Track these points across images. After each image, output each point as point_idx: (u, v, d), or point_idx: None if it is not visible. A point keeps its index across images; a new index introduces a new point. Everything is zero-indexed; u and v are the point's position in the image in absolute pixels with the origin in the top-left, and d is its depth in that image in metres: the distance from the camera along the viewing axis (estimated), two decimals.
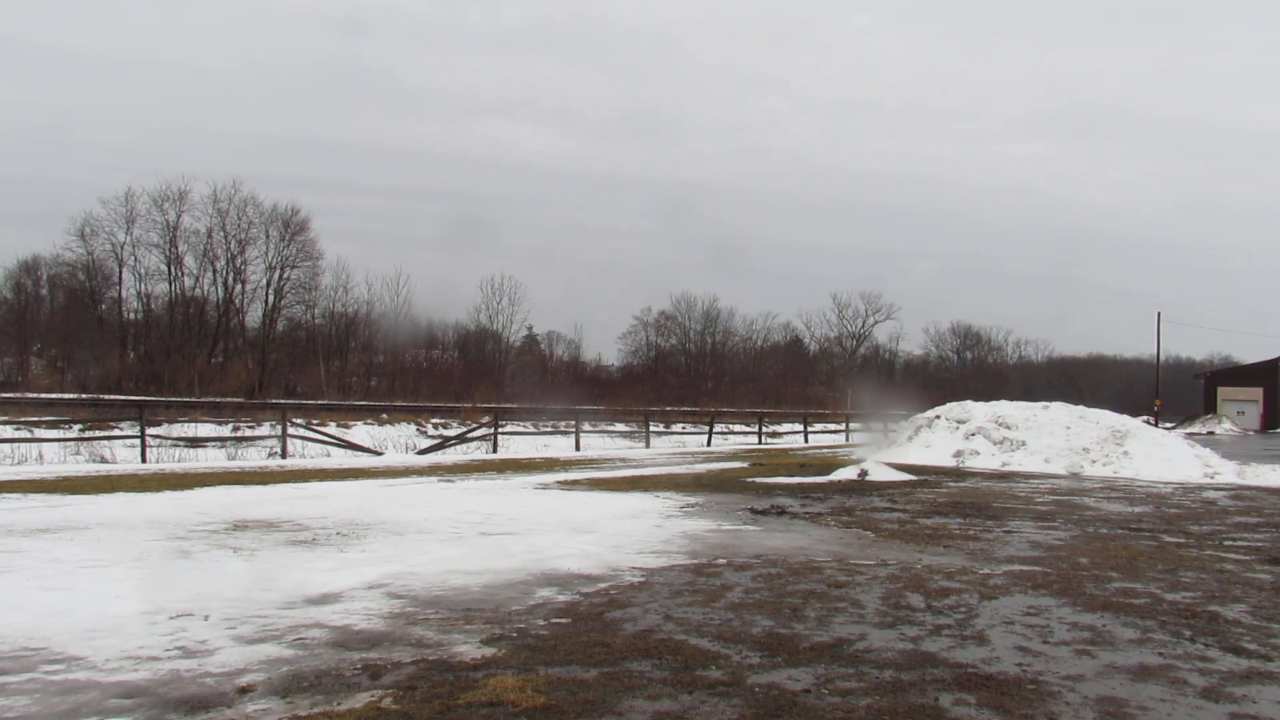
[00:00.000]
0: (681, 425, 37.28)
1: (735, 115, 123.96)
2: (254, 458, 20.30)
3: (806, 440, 35.44)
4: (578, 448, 25.33)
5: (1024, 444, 20.20)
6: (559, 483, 14.40)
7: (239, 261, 48.16)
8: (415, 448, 24.58)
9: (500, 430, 25.15)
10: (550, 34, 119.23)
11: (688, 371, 69.13)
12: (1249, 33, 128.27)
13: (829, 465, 17.93)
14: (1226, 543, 9.11)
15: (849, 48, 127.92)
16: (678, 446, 29.88)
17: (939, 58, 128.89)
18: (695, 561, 7.42)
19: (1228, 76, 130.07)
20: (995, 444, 20.51)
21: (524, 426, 28.48)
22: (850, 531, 9.39)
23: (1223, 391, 64.14)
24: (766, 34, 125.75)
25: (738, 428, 37.54)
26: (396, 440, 25.75)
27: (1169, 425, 48.12)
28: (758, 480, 15.30)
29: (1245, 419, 60.84)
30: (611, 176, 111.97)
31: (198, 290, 48.25)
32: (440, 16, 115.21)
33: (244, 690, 4.09)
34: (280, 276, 48.80)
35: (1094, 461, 18.78)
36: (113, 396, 27.31)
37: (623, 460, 20.63)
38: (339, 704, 3.91)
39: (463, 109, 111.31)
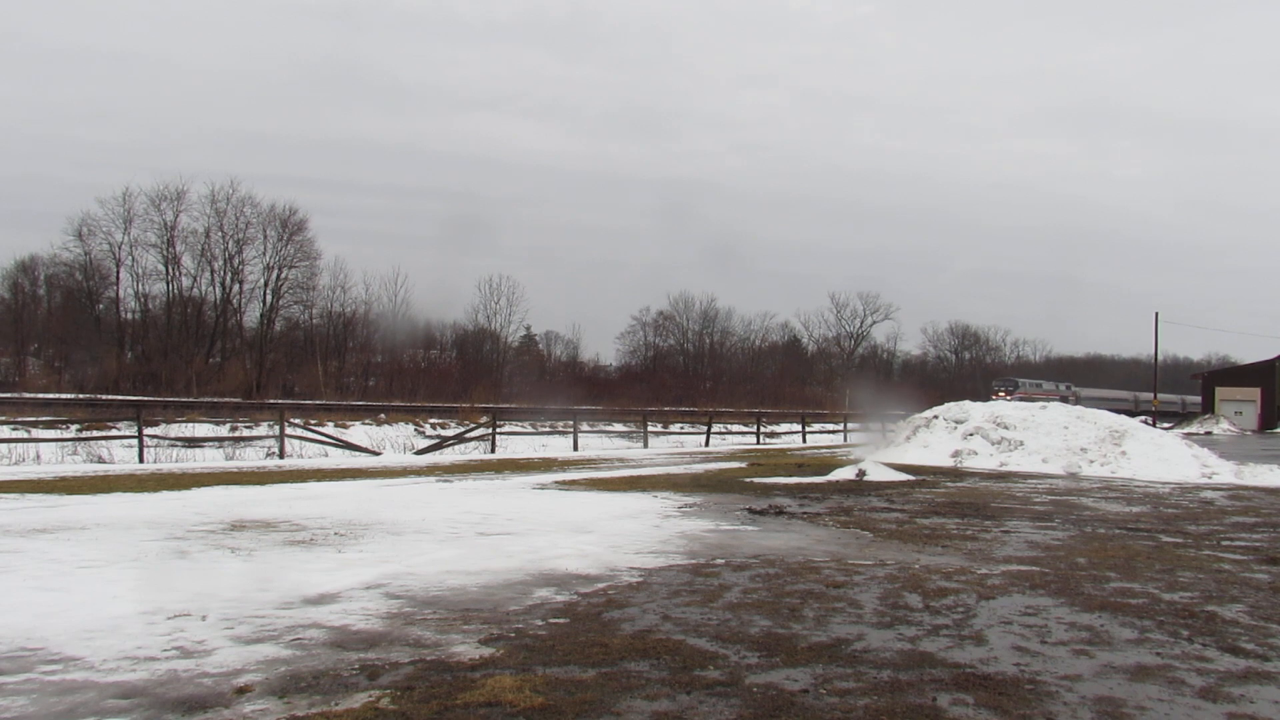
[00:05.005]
0: (679, 425, 37.29)
1: (733, 111, 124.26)
2: (251, 458, 20.29)
3: (804, 440, 35.47)
4: (576, 448, 25.32)
5: (1022, 444, 20.21)
6: (557, 483, 14.39)
7: (236, 261, 48.21)
8: (413, 448, 24.56)
9: (498, 430, 25.14)
10: (542, 28, 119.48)
11: (686, 371, 69.14)
12: (1256, 21, 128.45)
13: (827, 465, 17.93)
14: (1224, 543, 9.12)
15: (849, 40, 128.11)
16: (676, 447, 29.87)
17: (941, 51, 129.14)
18: (693, 562, 7.42)
19: (1234, 68, 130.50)
20: (993, 444, 20.52)
21: (522, 427, 28.47)
22: (848, 532, 9.39)
23: (1220, 391, 64.22)
24: (764, 26, 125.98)
25: (735, 428, 37.54)
26: (394, 440, 25.73)
27: (1166, 425, 48.17)
28: (756, 480, 15.30)
29: (1243, 419, 60.90)
30: (608, 175, 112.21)
31: (195, 290, 48.32)
32: (431, 9, 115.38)
33: (242, 691, 4.08)
34: (278, 276, 48.85)
35: (1092, 462, 18.80)
36: (110, 397, 27.28)
37: (621, 460, 20.63)
38: (337, 704, 3.91)
39: (457, 104, 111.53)
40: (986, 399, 38.49)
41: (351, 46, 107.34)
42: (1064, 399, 59.83)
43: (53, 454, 19.13)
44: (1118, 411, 24.25)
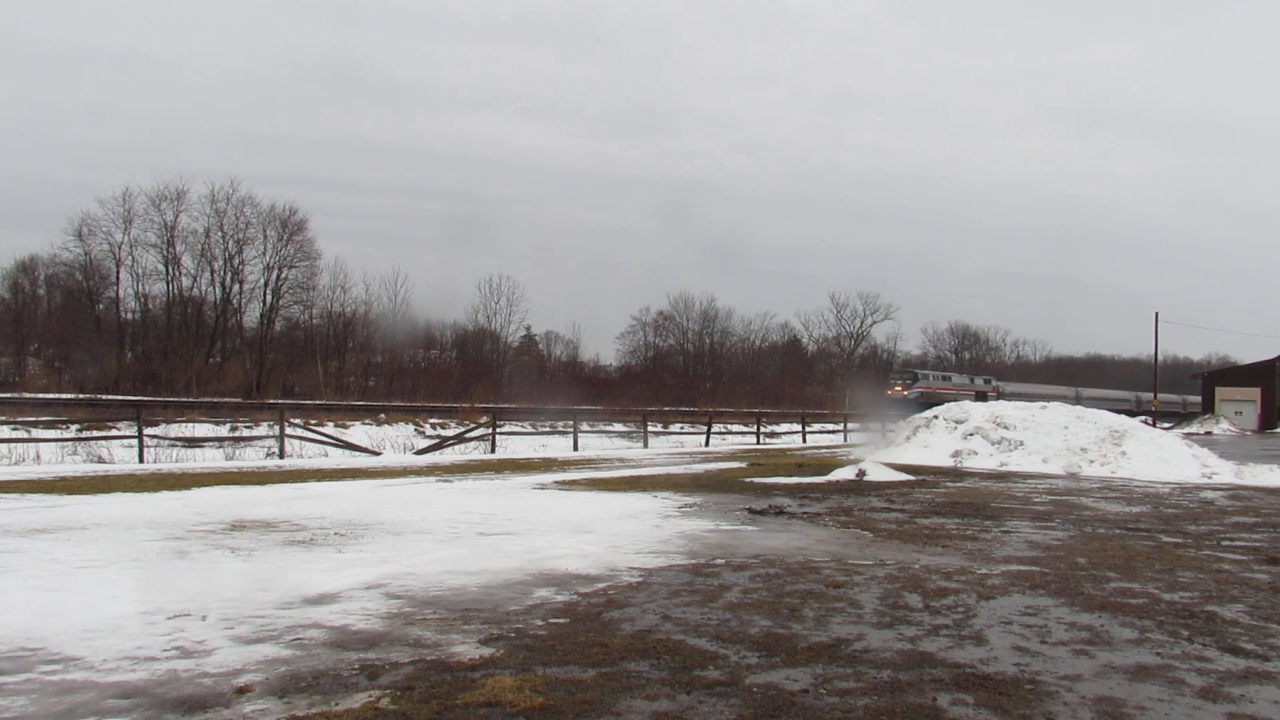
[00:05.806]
0: (679, 425, 37.31)
1: (732, 110, 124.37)
2: (252, 458, 20.28)
3: (804, 440, 35.47)
4: (576, 448, 25.32)
5: (1022, 444, 20.21)
6: (557, 483, 14.39)
7: (237, 261, 48.25)
8: (413, 448, 24.56)
9: (498, 430, 25.14)
10: (542, 27, 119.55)
11: (686, 371, 69.17)
12: (1256, 20, 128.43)
13: (827, 465, 17.92)
14: (1224, 543, 9.11)
15: (849, 40, 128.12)
16: (676, 447, 29.87)
17: (942, 50, 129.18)
18: (693, 562, 7.42)
19: (1234, 67, 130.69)
20: (993, 444, 20.52)
21: (522, 427, 28.47)
22: (848, 532, 9.39)
23: (1220, 391, 64.21)
24: (764, 26, 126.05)
25: (736, 428, 37.55)
26: (394, 440, 25.74)
27: (1166, 425, 48.16)
28: (756, 480, 15.29)
29: (1243, 419, 60.90)
30: (608, 174, 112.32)
31: (195, 290, 48.36)
32: (430, 9, 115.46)
33: (242, 690, 4.08)
34: (278, 276, 48.90)
35: (1092, 462, 18.80)
36: (110, 397, 27.29)
37: (621, 460, 20.62)
38: (337, 704, 3.90)
39: (457, 104, 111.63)
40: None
41: (351, 46, 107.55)
42: (981, 395, 50.15)
43: (53, 454, 19.14)
44: None
